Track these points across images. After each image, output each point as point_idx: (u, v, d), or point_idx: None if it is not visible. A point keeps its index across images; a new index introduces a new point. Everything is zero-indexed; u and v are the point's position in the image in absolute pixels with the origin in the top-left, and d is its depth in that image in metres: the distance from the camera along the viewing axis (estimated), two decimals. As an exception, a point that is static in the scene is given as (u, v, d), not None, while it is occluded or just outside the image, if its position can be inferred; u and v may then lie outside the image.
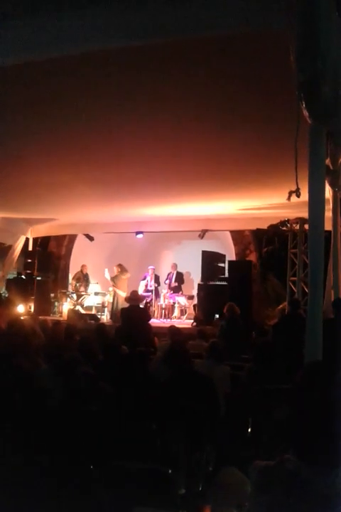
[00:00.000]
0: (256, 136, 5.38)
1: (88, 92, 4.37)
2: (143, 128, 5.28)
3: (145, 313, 7.88)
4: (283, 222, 8.74)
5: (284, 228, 8.92)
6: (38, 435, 2.88)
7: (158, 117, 4.98)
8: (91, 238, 12.29)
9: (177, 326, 7.15)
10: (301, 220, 8.78)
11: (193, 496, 2.91)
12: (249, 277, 9.46)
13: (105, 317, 11.35)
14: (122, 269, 11.08)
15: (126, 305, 8.57)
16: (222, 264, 10.53)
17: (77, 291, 11.81)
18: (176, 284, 11.75)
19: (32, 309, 11.29)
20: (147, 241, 12.71)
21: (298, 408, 1.44)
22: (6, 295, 11.25)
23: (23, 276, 11.80)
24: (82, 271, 12.12)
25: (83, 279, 11.99)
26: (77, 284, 11.90)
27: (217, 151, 6.05)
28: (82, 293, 11.91)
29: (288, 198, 3.07)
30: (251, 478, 1.56)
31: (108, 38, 3.18)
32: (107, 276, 11.17)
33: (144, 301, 10.96)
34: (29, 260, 12.04)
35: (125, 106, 4.69)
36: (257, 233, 10.59)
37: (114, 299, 11.05)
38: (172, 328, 6.40)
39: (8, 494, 2.54)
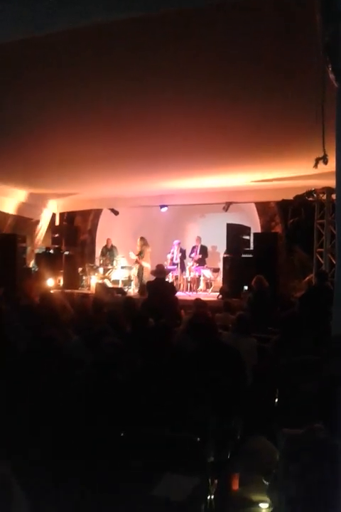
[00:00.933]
0: (281, 103, 5.24)
1: (112, 65, 4.35)
2: (165, 101, 5.23)
3: (171, 287, 7.95)
4: (310, 193, 8.56)
5: (310, 198, 8.75)
6: (70, 403, 2.99)
7: (180, 89, 4.91)
8: (116, 212, 12.37)
9: (202, 298, 7.19)
10: (328, 190, 8.58)
11: (222, 463, 2.98)
12: (274, 249, 9.36)
13: (131, 290, 11.52)
14: (145, 242, 11.26)
15: (151, 278, 8.66)
16: (247, 237, 10.45)
17: (103, 265, 12.00)
18: (200, 256, 11.77)
19: (61, 283, 11.55)
20: (171, 215, 12.71)
21: (326, 379, 1.46)
22: (36, 269, 11.53)
23: (51, 251, 12.03)
24: (106, 245, 12.29)
25: (107, 252, 12.16)
26: (102, 259, 12.09)
27: (242, 120, 5.94)
28: (109, 267, 12.09)
29: (315, 165, 3.02)
30: (279, 446, 1.60)
31: (127, 7, 3.14)
32: (133, 256, 11.34)
33: (170, 275, 11.05)
34: (56, 235, 12.25)
35: (148, 79, 4.65)
36: (283, 204, 10.41)
37: (139, 272, 11.21)
38: (198, 301, 6.44)
39: (41, 458, 2.66)
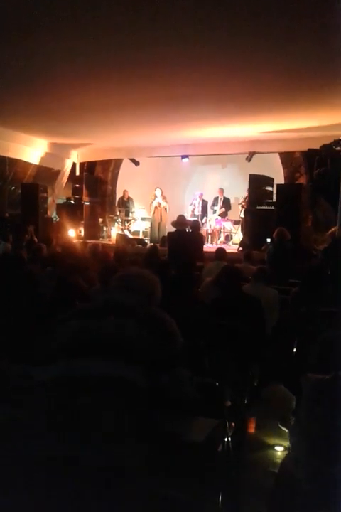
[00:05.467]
0: (308, 48, 5.00)
1: (131, 8, 4.17)
2: (188, 45, 5.03)
3: (192, 238, 7.92)
4: (337, 142, 8.23)
5: (338, 148, 8.41)
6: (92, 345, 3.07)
7: (203, 33, 4.71)
8: (136, 163, 12.24)
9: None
10: (357, 140, 8.23)
11: (239, 408, 3.06)
12: (298, 201, 9.17)
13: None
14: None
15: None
16: (270, 188, 10.24)
17: (120, 216, 12.07)
18: (223, 209, 11.66)
19: (82, 234, 11.68)
20: (193, 165, 12.52)
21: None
22: (57, 219, 11.66)
23: (72, 201, 12.10)
24: (123, 197, 12.29)
25: (123, 204, 12.19)
26: (118, 211, 12.14)
27: (268, 65, 5.70)
28: (129, 218, 12.13)
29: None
30: (303, 390, 1.62)
31: None
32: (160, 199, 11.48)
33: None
34: (77, 185, 12.27)
35: (172, 25, 4.47)
36: (308, 154, 10.07)
37: (158, 222, 11.36)
38: (220, 250, 6.44)
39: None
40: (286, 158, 11.21)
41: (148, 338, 1.51)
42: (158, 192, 11.59)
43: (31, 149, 10.72)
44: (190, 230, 7.98)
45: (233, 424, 2.88)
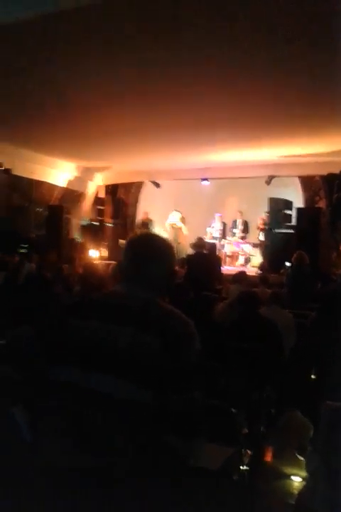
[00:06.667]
0: (328, 72, 5.05)
1: (157, 34, 4.32)
2: (211, 72, 5.16)
3: (210, 260, 7.96)
4: (357, 167, 8.21)
5: (358, 173, 8.39)
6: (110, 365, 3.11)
7: (226, 59, 4.84)
8: (157, 185, 12.42)
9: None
10: None
11: (256, 435, 3.04)
12: (317, 225, 9.11)
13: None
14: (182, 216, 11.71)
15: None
16: (290, 212, 10.22)
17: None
18: (242, 234, 11.67)
19: (104, 255, 11.83)
20: (213, 188, 12.60)
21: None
22: (81, 241, 11.85)
23: (95, 223, 12.29)
24: (142, 219, 12.45)
25: (144, 226, 12.32)
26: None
27: (287, 90, 5.78)
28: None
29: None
30: (323, 418, 1.61)
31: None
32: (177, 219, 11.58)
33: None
34: (100, 207, 12.47)
35: (193, 49, 4.59)
36: (328, 178, 10.05)
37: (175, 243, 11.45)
38: (240, 273, 6.45)
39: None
40: (306, 181, 11.19)
41: (162, 353, 1.34)
42: (175, 214, 11.75)
43: (57, 172, 11.02)
44: (207, 252, 8.04)
45: (249, 452, 2.87)
